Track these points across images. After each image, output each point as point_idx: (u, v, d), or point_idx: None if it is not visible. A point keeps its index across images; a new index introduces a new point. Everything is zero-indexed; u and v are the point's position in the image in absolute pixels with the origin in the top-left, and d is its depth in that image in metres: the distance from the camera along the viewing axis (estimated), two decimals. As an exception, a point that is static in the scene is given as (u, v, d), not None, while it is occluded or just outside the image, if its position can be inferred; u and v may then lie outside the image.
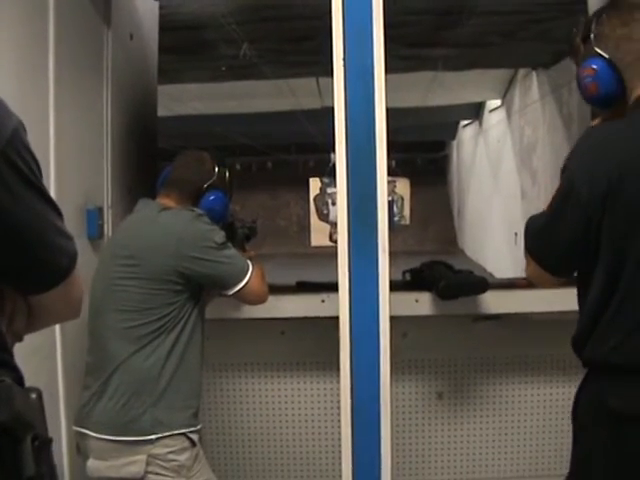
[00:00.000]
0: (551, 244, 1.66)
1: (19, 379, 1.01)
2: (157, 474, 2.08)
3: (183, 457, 2.12)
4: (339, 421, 2.14)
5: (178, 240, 2.12)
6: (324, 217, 14.14)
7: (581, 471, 1.68)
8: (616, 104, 1.62)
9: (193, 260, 2.12)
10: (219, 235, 2.17)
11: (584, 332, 1.63)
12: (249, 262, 2.24)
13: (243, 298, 2.26)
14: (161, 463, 2.09)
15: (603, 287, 1.57)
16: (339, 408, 2.13)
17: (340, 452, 2.13)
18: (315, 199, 14.67)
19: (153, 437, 2.07)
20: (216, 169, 2.32)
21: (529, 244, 1.73)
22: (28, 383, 1.04)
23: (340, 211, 2.06)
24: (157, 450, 2.08)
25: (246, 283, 2.19)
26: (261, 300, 2.31)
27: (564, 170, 1.62)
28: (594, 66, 1.61)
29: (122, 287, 2.13)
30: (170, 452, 2.10)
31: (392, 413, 2.08)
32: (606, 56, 1.59)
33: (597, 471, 1.61)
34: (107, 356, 2.12)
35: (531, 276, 1.78)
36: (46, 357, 2.23)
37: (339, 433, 2.14)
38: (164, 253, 2.11)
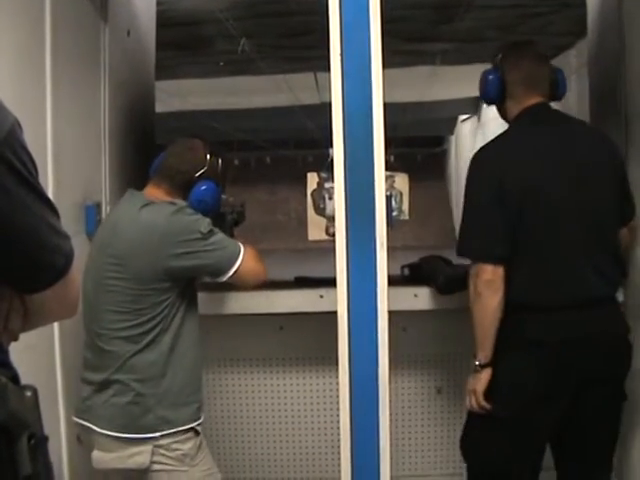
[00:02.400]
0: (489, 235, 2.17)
1: (14, 377, 1.01)
2: (162, 463, 2.11)
3: (187, 446, 2.14)
4: (338, 416, 2.14)
5: (160, 239, 2.08)
6: (321, 211, 14.10)
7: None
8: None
9: (180, 257, 2.08)
10: (204, 224, 2.12)
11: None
12: (240, 244, 2.20)
13: (240, 280, 2.22)
14: (166, 453, 2.11)
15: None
16: (338, 403, 2.13)
17: (339, 447, 2.13)
18: (313, 193, 14.63)
19: (157, 435, 2.10)
20: (208, 158, 2.25)
21: (470, 250, 2.21)
22: (26, 378, 1.04)
23: (338, 206, 2.05)
24: (162, 441, 2.11)
25: (240, 264, 2.16)
26: (259, 279, 2.28)
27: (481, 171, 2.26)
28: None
29: (112, 287, 2.10)
30: (174, 442, 2.12)
31: (391, 408, 2.09)
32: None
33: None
34: (108, 354, 2.12)
35: (488, 283, 2.15)
36: (44, 352, 2.23)
37: (338, 428, 2.14)
38: (148, 254, 2.07)
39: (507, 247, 2.16)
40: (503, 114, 2.39)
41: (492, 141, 2.34)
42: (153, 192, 2.21)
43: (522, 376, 2.19)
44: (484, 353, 2.22)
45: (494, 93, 2.33)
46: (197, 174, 2.22)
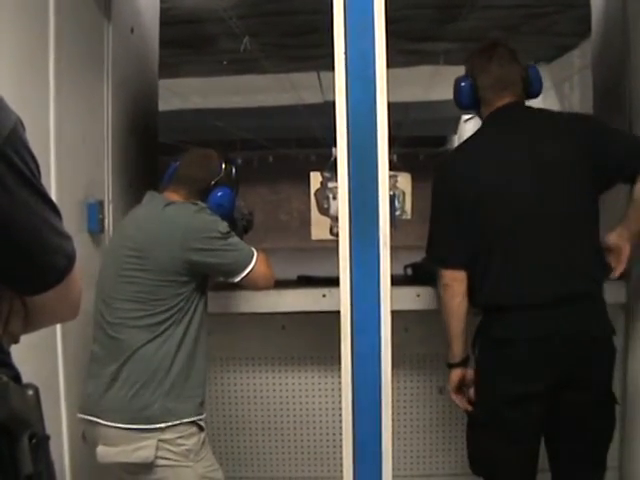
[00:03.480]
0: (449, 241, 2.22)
1: (15, 377, 1.00)
2: (166, 458, 2.13)
3: (191, 442, 2.17)
4: (340, 415, 2.14)
5: (183, 233, 2.17)
6: (324, 211, 14.09)
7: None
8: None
9: (200, 251, 2.17)
10: (223, 225, 2.23)
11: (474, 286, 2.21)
12: (253, 248, 2.29)
13: (251, 282, 2.30)
14: (170, 448, 2.14)
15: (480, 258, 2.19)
16: (340, 402, 2.12)
17: (341, 446, 2.13)
18: (316, 193, 14.62)
19: (163, 425, 2.13)
20: (223, 166, 2.36)
21: (431, 257, 2.31)
22: (28, 376, 1.03)
23: (341, 206, 2.05)
24: (166, 435, 2.13)
25: (253, 267, 2.25)
26: (268, 283, 2.36)
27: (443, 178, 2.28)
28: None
29: (130, 278, 2.18)
30: (179, 437, 2.15)
31: (393, 408, 2.08)
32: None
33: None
34: (119, 345, 2.17)
35: (446, 287, 2.25)
36: (46, 351, 2.23)
37: (340, 427, 2.14)
38: (170, 246, 2.15)
39: (464, 254, 2.19)
40: (481, 118, 2.37)
41: (454, 149, 2.40)
42: (172, 197, 2.30)
43: (493, 377, 2.20)
44: (451, 353, 2.29)
45: (467, 100, 2.31)
46: (214, 181, 2.34)
